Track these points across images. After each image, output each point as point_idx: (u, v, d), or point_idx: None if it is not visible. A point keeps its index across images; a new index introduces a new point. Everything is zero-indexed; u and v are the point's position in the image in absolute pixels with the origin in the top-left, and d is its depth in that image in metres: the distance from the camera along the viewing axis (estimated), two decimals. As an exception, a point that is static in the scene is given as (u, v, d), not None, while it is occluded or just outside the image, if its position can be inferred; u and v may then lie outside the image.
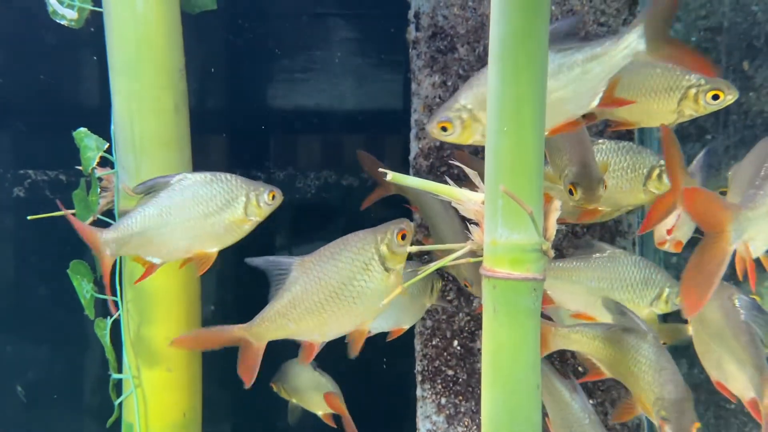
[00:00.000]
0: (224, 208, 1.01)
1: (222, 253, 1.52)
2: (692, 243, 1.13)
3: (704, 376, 1.20)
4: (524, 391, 0.71)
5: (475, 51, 1.31)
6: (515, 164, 0.69)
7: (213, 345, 0.95)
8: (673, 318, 1.14)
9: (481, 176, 0.76)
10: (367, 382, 1.43)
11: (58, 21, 1.14)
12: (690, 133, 1.37)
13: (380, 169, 0.84)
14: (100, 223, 1.20)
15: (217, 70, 1.50)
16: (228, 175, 1.03)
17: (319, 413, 1.37)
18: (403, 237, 0.93)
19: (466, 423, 1.35)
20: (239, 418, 1.57)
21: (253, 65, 1.48)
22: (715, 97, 0.96)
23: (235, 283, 1.52)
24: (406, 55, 1.34)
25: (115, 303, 1.17)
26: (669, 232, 1.12)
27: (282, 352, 1.31)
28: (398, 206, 1.28)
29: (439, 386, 1.36)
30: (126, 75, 1.11)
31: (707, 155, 1.06)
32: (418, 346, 1.37)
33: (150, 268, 1.03)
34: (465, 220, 0.83)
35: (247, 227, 1.03)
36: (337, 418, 1.34)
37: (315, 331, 0.94)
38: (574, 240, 1.30)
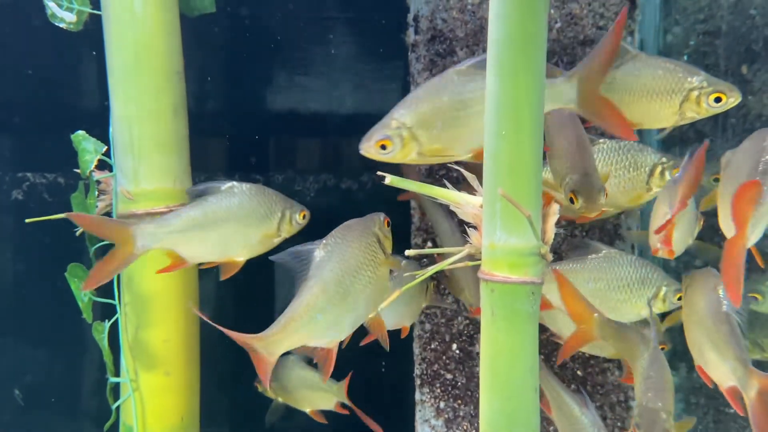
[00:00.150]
0: (262, 221, 1.06)
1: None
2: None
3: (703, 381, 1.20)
4: (522, 395, 0.71)
5: (474, 54, 1.31)
6: (513, 167, 0.70)
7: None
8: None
9: (480, 179, 0.76)
10: (365, 385, 1.42)
11: (56, 24, 1.14)
12: (689, 137, 1.37)
13: (378, 173, 0.84)
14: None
15: (216, 73, 1.50)
16: (269, 190, 1.08)
17: (307, 410, 1.37)
18: (389, 224, 1.00)
19: (465, 427, 1.35)
20: (237, 422, 1.56)
21: (251, 68, 1.48)
22: (717, 100, 0.96)
23: (233, 286, 1.52)
24: (406, 58, 1.34)
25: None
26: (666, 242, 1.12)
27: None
28: (395, 207, 1.28)
29: (438, 390, 1.36)
30: (124, 78, 1.11)
31: (690, 159, 1.07)
32: (416, 350, 1.37)
33: (178, 263, 1.05)
34: (463, 224, 0.83)
35: (276, 242, 1.08)
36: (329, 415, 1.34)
37: (336, 325, 0.94)
38: (573, 242, 1.30)
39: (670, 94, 0.98)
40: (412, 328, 1.37)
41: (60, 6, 1.13)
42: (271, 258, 0.99)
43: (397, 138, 0.92)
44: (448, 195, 0.78)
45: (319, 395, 1.35)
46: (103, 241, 1.20)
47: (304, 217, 1.09)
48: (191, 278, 1.21)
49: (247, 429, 1.56)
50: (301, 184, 1.53)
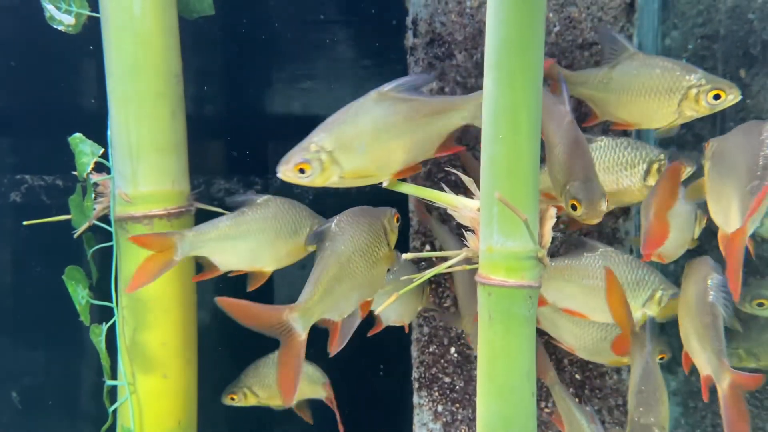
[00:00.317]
0: (292, 235, 1.11)
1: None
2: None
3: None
4: (519, 399, 0.71)
5: (472, 58, 1.31)
6: (511, 171, 0.70)
7: (252, 324, 0.94)
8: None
9: (478, 183, 0.76)
10: (363, 389, 1.42)
11: (55, 26, 1.14)
12: (687, 141, 1.37)
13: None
14: (95, 229, 1.20)
15: (214, 75, 1.50)
16: (300, 206, 1.14)
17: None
18: (398, 220, 1.03)
19: (463, 430, 1.34)
20: (234, 426, 1.56)
21: (250, 71, 1.48)
22: (717, 97, 0.96)
23: (231, 289, 1.52)
24: (404, 61, 1.34)
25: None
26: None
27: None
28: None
29: (436, 394, 1.36)
30: (123, 80, 1.11)
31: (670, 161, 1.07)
32: (415, 353, 1.37)
33: (212, 271, 1.11)
34: (460, 227, 0.83)
35: (302, 255, 1.13)
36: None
37: (345, 300, 0.98)
38: (571, 240, 1.30)
39: (669, 92, 0.98)
40: (410, 331, 1.37)
41: (58, 8, 1.13)
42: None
43: (316, 162, 0.93)
44: (445, 198, 0.78)
45: (310, 387, 1.36)
46: (100, 244, 1.21)
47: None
48: (189, 282, 1.21)
49: (244, 432, 1.56)
50: (300, 186, 1.52)
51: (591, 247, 1.12)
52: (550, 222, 0.74)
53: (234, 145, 1.51)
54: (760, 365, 1.20)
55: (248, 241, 1.09)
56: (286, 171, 0.94)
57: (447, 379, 1.35)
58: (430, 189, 0.81)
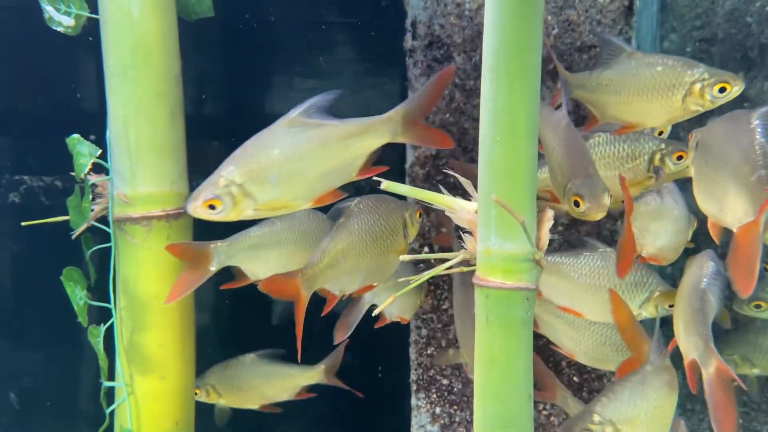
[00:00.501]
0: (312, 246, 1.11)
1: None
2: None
3: (698, 386, 1.20)
4: (517, 401, 0.71)
5: (471, 60, 1.32)
6: (508, 173, 0.70)
7: (279, 293, 1.00)
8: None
9: (476, 185, 0.76)
10: (361, 390, 1.42)
11: (54, 28, 1.14)
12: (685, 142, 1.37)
13: (374, 177, 0.84)
14: (93, 230, 1.19)
15: (214, 76, 1.50)
16: (321, 215, 1.14)
17: (257, 406, 1.38)
18: (420, 215, 1.05)
19: (460, 433, 1.34)
20: (231, 428, 1.56)
21: (249, 73, 1.48)
22: (722, 90, 0.94)
23: (229, 290, 1.52)
24: (403, 64, 1.34)
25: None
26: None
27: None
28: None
29: (434, 395, 1.36)
30: (122, 81, 1.11)
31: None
32: (413, 355, 1.37)
33: (243, 280, 1.14)
34: (459, 229, 0.83)
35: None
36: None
37: (349, 276, 1.01)
38: (571, 239, 1.30)
39: (672, 89, 0.96)
40: (408, 333, 1.37)
41: (58, 10, 1.13)
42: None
43: (227, 197, 0.91)
44: (443, 200, 0.78)
45: (286, 384, 1.37)
46: (98, 245, 1.20)
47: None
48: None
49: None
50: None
51: (591, 246, 1.12)
52: (548, 224, 0.74)
53: (233, 147, 1.51)
54: (755, 371, 1.20)
55: (280, 249, 1.11)
56: (196, 208, 0.92)
57: (445, 381, 1.35)
58: (427, 191, 0.80)
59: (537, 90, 0.70)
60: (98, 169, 1.15)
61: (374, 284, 1.07)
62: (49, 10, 1.13)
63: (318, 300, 1.05)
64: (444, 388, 1.35)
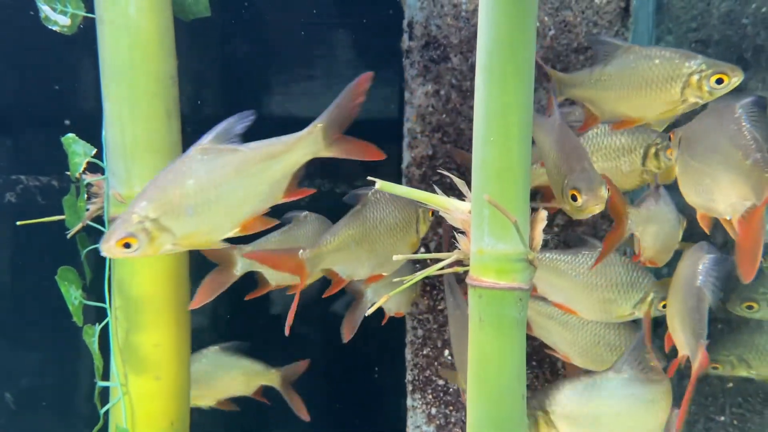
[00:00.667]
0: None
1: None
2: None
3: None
4: (510, 401, 0.71)
5: (468, 61, 1.32)
6: (502, 174, 0.70)
7: (281, 267, 1.03)
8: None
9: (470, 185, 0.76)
10: (357, 391, 1.42)
11: (50, 27, 1.14)
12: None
13: (369, 177, 0.84)
14: (89, 229, 1.19)
15: (210, 77, 1.50)
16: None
17: (213, 403, 1.37)
18: (432, 214, 1.07)
19: (456, 433, 1.34)
20: (228, 428, 1.56)
21: (246, 73, 1.48)
22: (719, 81, 0.94)
23: (226, 291, 1.52)
24: (400, 64, 1.34)
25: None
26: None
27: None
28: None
29: (430, 396, 1.36)
30: (117, 81, 1.11)
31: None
32: (408, 356, 1.37)
33: (264, 288, 1.16)
34: (453, 229, 0.83)
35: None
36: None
37: (358, 262, 1.03)
38: (570, 237, 1.30)
39: (670, 81, 0.96)
40: (404, 333, 1.37)
41: (54, 9, 1.13)
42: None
43: (142, 233, 0.87)
44: (437, 200, 0.78)
45: (245, 379, 1.37)
46: (94, 244, 1.20)
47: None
48: (182, 282, 1.21)
49: (238, 434, 1.56)
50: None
51: (591, 245, 1.13)
52: (541, 224, 0.74)
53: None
54: (751, 373, 1.20)
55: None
56: (110, 248, 0.87)
57: (441, 382, 1.35)
58: (421, 191, 0.80)
59: (531, 90, 0.70)
60: (94, 168, 1.15)
61: (383, 274, 1.08)
62: (45, 9, 1.13)
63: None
64: (440, 388, 1.35)
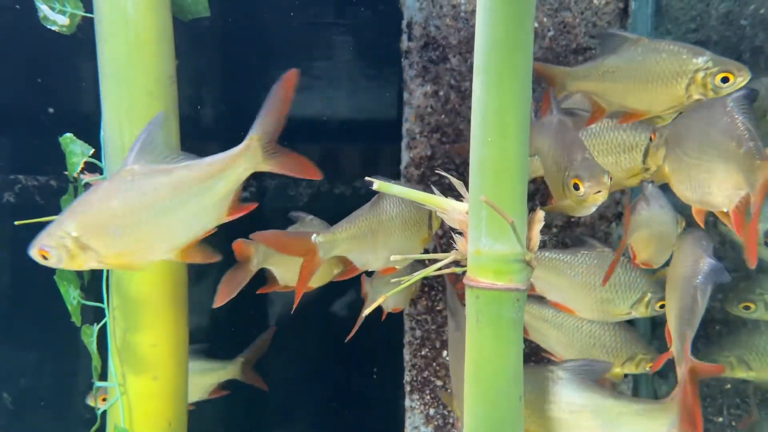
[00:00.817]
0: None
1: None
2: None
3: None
4: (507, 403, 0.71)
5: (467, 61, 1.32)
6: (499, 174, 0.69)
7: (287, 249, 1.02)
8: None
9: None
10: (355, 392, 1.42)
11: (49, 27, 1.14)
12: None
13: (366, 178, 0.84)
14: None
15: (209, 77, 1.50)
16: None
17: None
18: None
19: (454, 434, 1.34)
20: (227, 428, 1.56)
21: (245, 73, 1.48)
22: (725, 80, 0.92)
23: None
24: (399, 64, 1.34)
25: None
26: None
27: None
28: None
29: (428, 397, 1.36)
30: (116, 81, 1.11)
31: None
32: (407, 357, 1.37)
33: (274, 285, 1.16)
34: (450, 230, 0.83)
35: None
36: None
37: (372, 252, 1.04)
38: (569, 238, 1.30)
39: (675, 77, 0.94)
40: (402, 334, 1.37)
41: (52, 9, 1.13)
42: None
43: (61, 248, 0.86)
44: (434, 201, 0.78)
45: (197, 382, 1.34)
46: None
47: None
48: (181, 282, 1.21)
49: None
50: (294, 189, 1.53)
51: (590, 246, 1.13)
52: (538, 225, 0.74)
53: (228, 147, 1.51)
54: (750, 375, 1.20)
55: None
56: (34, 255, 0.88)
57: (439, 383, 1.35)
58: (419, 191, 0.80)
59: (528, 91, 0.70)
60: (93, 168, 1.15)
61: (397, 267, 1.08)
62: (43, 9, 1.13)
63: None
64: (438, 389, 1.35)
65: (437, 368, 1.35)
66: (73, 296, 1.19)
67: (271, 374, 1.49)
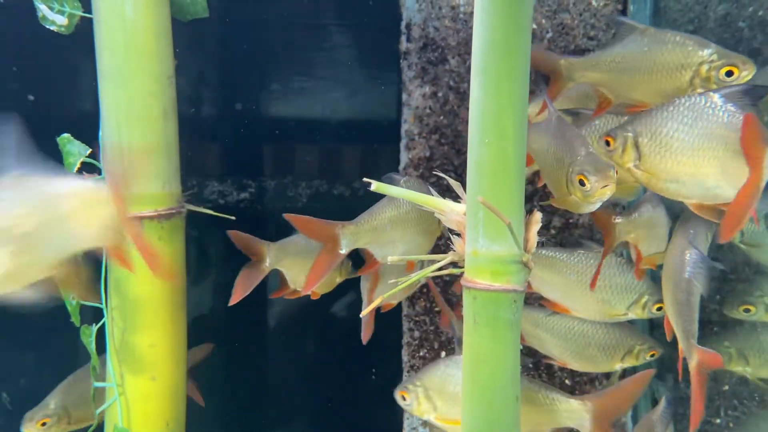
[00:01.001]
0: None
1: (209, 260, 1.51)
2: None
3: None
4: (503, 404, 0.71)
5: (465, 63, 1.32)
6: (496, 175, 0.70)
7: (313, 234, 1.05)
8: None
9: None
10: (354, 393, 1.42)
11: (47, 26, 1.14)
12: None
13: (364, 179, 0.84)
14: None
15: (208, 77, 1.50)
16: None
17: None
18: None
19: (452, 435, 1.34)
20: (227, 429, 1.56)
21: (243, 74, 1.48)
22: (729, 74, 0.90)
23: (222, 291, 1.52)
24: (398, 66, 1.34)
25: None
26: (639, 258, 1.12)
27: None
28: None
29: (426, 398, 1.35)
30: (115, 81, 1.11)
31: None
32: (405, 357, 1.37)
33: (285, 289, 1.20)
34: (449, 231, 0.83)
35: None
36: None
37: (391, 244, 1.06)
38: (568, 239, 1.30)
39: (680, 69, 0.92)
40: (401, 335, 1.37)
41: (51, 8, 1.13)
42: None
43: None
44: (432, 202, 0.78)
45: None
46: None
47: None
48: (179, 284, 1.21)
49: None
50: (293, 190, 1.53)
51: (587, 247, 1.13)
52: (536, 226, 0.74)
53: (226, 147, 1.51)
54: (746, 371, 1.20)
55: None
56: None
57: (437, 384, 1.35)
58: (417, 192, 0.80)
59: (525, 92, 0.70)
60: (91, 168, 1.15)
61: (413, 261, 1.10)
62: (42, 9, 1.13)
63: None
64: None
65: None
66: (72, 296, 1.20)
67: (270, 374, 1.49)
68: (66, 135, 1.11)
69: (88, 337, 1.18)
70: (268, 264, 1.14)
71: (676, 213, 1.06)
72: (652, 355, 1.14)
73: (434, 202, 0.79)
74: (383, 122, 1.49)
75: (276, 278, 1.24)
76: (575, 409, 0.99)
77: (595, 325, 1.13)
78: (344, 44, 1.47)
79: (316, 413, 1.43)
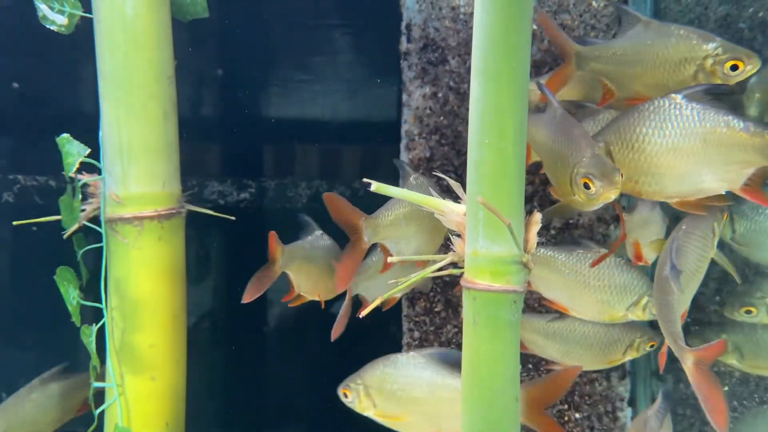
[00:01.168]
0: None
1: (209, 259, 1.51)
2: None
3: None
4: (503, 404, 0.71)
5: (465, 63, 1.32)
6: (496, 176, 0.70)
7: (340, 218, 1.07)
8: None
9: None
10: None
11: (48, 26, 1.14)
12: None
13: (364, 179, 0.84)
14: (86, 230, 1.19)
15: (207, 78, 1.50)
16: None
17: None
18: None
19: (452, 436, 1.34)
20: (226, 429, 1.56)
21: (243, 74, 1.48)
22: (734, 68, 0.89)
23: (223, 290, 1.52)
24: (398, 66, 1.34)
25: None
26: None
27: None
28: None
29: (426, 398, 1.35)
30: (114, 81, 1.11)
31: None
32: (405, 358, 1.37)
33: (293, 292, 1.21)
34: (448, 231, 0.83)
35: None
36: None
37: (405, 240, 1.08)
38: (568, 239, 1.30)
39: (684, 63, 0.91)
40: (401, 335, 1.37)
41: (51, 8, 1.13)
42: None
43: None
44: (432, 202, 0.78)
45: (66, 403, 1.29)
46: (91, 245, 1.20)
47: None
48: (179, 283, 1.21)
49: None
50: (293, 190, 1.53)
51: (586, 246, 1.12)
52: (536, 227, 0.74)
53: (226, 147, 1.51)
54: (740, 364, 1.20)
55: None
56: None
57: (437, 384, 1.35)
58: (417, 193, 0.80)
59: (525, 92, 0.70)
60: (91, 168, 1.15)
61: (424, 262, 1.09)
62: (42, 8, 1.13)
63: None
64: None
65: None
66: (72, 296, 1.20)
67: (269, 374, 1.49)
68: (65, 135, 1.11)
69: (88, 337, 1.18)
70: (279, 266, 1.16)
71: (677, 214, 1.06)
72: (652, 346, 1.14)
73: (434, 202, 0.79)
74: (383, 123, 1.49)
75: (274, 280, 1.23)
76: None
77: (596, 324, 1.13)
78: (344, 45, 1.47)
79: (315, 413, 1.43)
